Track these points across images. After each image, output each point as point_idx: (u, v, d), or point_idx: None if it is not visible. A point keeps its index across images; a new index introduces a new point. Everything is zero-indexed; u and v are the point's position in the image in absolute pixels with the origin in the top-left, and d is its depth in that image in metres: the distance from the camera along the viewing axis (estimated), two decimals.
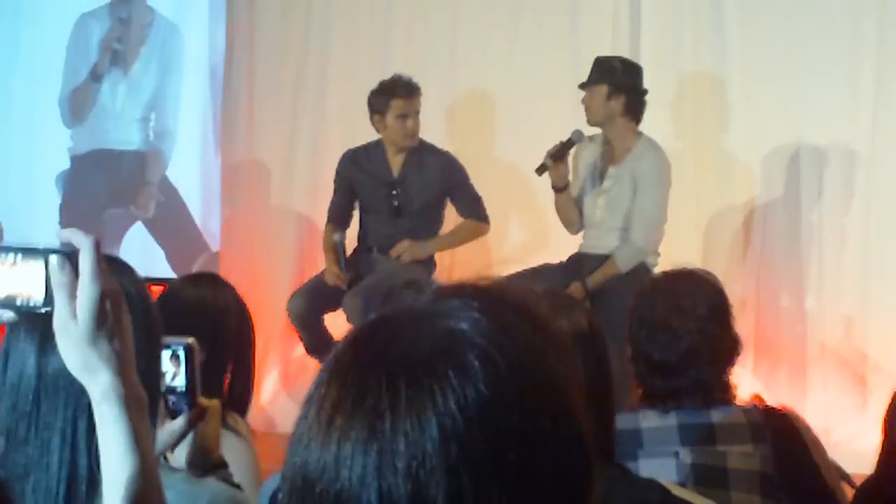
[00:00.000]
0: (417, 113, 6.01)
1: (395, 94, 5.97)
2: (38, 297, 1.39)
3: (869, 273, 6.10)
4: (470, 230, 6.14)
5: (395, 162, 6.10)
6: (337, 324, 5.90)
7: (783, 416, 2.89)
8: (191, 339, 2.10)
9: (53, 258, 1.37)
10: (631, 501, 2.00)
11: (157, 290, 1.91)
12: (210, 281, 3.18)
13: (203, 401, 2.15)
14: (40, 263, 1.38)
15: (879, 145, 6.10)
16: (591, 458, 1.04)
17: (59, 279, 1.37)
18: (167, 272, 7.05)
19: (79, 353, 1.37)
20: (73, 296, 1.37)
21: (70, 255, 1.37)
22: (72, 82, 7.52)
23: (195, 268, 7.00)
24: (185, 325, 2.26)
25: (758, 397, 3.54)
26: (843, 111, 6.17)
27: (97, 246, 1.37)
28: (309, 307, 5.93)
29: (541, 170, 5.62)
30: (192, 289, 3.03)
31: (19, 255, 1.39)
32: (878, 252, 6.09)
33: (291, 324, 6.00)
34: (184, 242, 7.42)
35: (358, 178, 6.16)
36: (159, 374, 1.81)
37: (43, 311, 1.39)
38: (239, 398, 2.99)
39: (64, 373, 1.42)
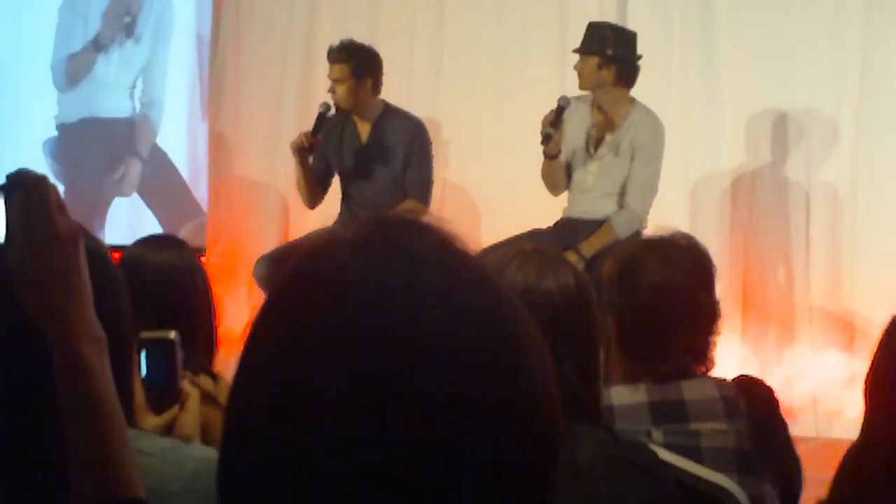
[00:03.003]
0: (344, 80, 5.94)
1: (328, 60, 5.99)
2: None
3: (856, 235, 6.12)
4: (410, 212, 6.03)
5: (364, 127, 6.09)
6: None
7: (762, 387, 2.86)
8: (172, 334, 2.05)
9: (12, 194, 1.36)
10: (617, 463, 1.99)
11: (115, 256, 1.86)
12: (172, 244, 3.10)
13: (185, 386, 2.12)
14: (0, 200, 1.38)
15: (866, 108, 6.11)
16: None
17: (17, 215, 1.35)
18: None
19: (36, 290, 1.35)
20: (31, 231, 1.35)
21: (28, 192, 1.35)
22: (65, 45, 7.45)
23: (182, 233, 6.97)
24: (153, 291, 2.20)
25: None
26: (830, 74, 6.18)
27: (49, 184, 1.36)
28: (272, 272, 5.90)
29: (546, 140, 5.58)
30: (157, 254, 2.92)
31: None
32: (864, 214, 6.11)
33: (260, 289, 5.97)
34: (176, 208, 7.39)
35: (329, 144, 6.15)
36: (132, 348, 1.75)
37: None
38: (203, 358, 2.89)
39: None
